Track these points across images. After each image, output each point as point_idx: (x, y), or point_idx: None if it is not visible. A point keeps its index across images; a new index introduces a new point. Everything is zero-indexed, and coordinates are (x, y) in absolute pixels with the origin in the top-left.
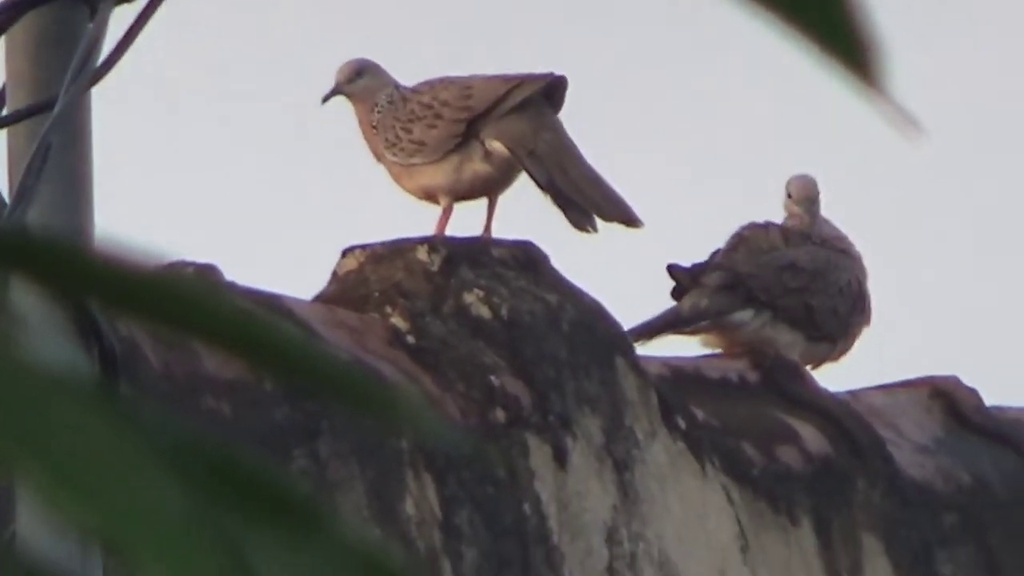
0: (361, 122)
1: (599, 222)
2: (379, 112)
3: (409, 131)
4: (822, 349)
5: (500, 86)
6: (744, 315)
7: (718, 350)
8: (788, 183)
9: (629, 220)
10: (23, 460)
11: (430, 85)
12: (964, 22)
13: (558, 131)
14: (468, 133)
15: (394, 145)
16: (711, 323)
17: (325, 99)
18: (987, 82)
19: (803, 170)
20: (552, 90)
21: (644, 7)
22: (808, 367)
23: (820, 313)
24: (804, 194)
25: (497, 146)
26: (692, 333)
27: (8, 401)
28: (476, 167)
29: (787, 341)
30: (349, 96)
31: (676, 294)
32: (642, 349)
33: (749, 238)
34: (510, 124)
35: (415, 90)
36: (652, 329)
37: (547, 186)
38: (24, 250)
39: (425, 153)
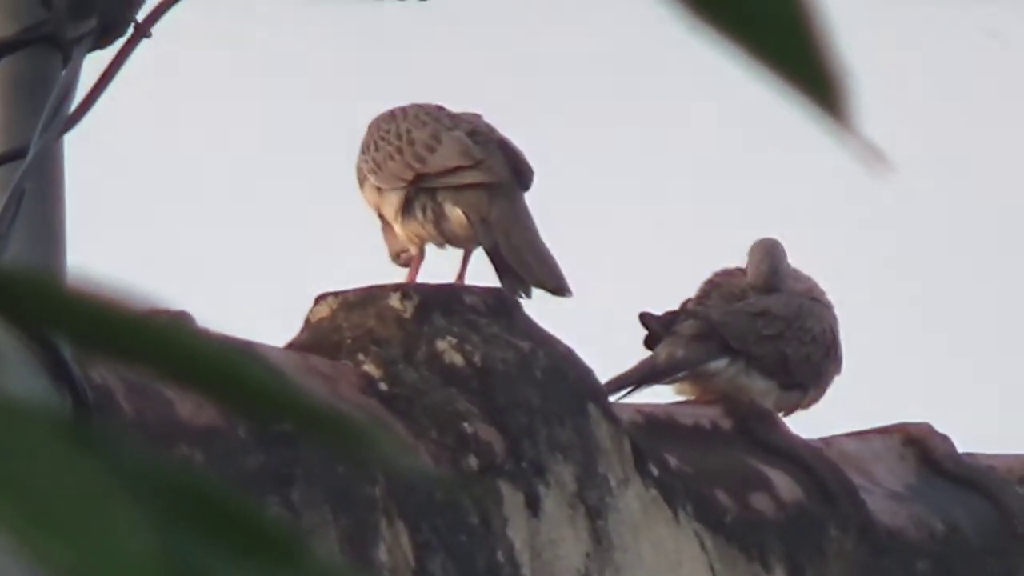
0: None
1: (534, 290)
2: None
3: (377, 148)
4: (794, 396)
5: (457, 158)
6: (719, 364)
7: (691, 397)
8: (750, 250)
9: (558, 288)
10: None
11: (416, 111)
12: (932, 56)
13: (513, 200)
14: (419, 185)
15: (365, 152)
16: (687, 373)
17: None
18: (953, 121)
19: (771, 225)
20: (519, 168)
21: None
22: (780, 414)
23: (794, 361)
24: (765, 267)
25: (455, 212)
26: (668, 383)
27: None
28: (424, 227)
29: (760, 389)
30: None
31: (649, 343)
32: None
33: (721, 284)
34: (469, 192)
35: (405, 110)
36: (629, 382)
37: (490, 251)
38: None
39: (379, 177)
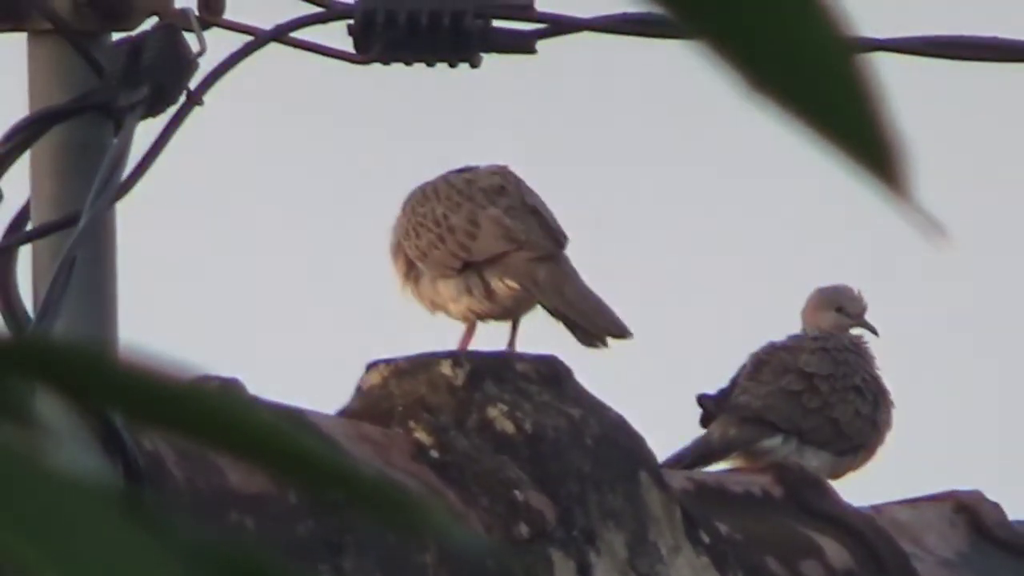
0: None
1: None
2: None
3: (418, 234)
4: (847, 460)
5: (502, 243)
6: (773, 442)
7: (743, 465)
8: (835, 297)
9: (620, 332)
10: (45, 566)
11: (448, 190)
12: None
13: (557, 259)
14: (469, 266)
15: (407, 237)
16: (740, 452)
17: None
18: (1011, 186)
19: (825, 279)
20: (553, 232)
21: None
22: (833, 479)
23: (845, 422)
24: (862, 309)
25: (506, 283)
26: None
27: (34, 510)
28: (479, 302)
29: (815, 467)
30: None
31: (704, 422)
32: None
33: (769, 361)
34: (515, 263)
35: (436, 189)
36: (684, 463)
37: (555, 312)
38: (50, 360)
39: (426, 264)
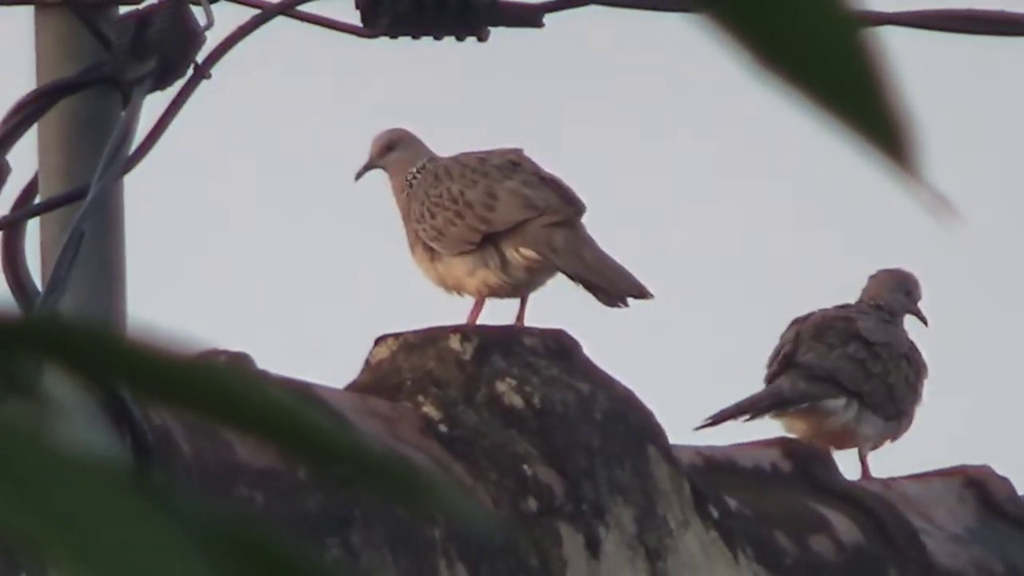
0: (396, 192)
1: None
2: (414, 180)
3: (433, 215)
4: (892, 427)
5: (522, 211)
6: (837, 403)
7: (801, 435)
8: (907, 281)
9: (640, 293)
10: (55, 545)
11: (461, 168)
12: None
13: (574, 225)
14: (485, 240)
15: (421, 220)
16: (809, 405)
17: (358, 176)
18: (1019, 162)
19: (840, 252)
20: (571, 200)
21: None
22: (875, 449)
23: (897, 388)
24: (920, 297)
25: (523, 252)
26: (793, 414)
27: (40, 486)
28: (495, 275)
29: (871, 434)
30: (383, 168)
31: (769, 382)
32: (748, 423)
33: (832, 326)
34: (531, 229)
35: (448, 170)
36: (759, 407)
37: (575, 276)
38: (57, 337)
39: (443, 244)
